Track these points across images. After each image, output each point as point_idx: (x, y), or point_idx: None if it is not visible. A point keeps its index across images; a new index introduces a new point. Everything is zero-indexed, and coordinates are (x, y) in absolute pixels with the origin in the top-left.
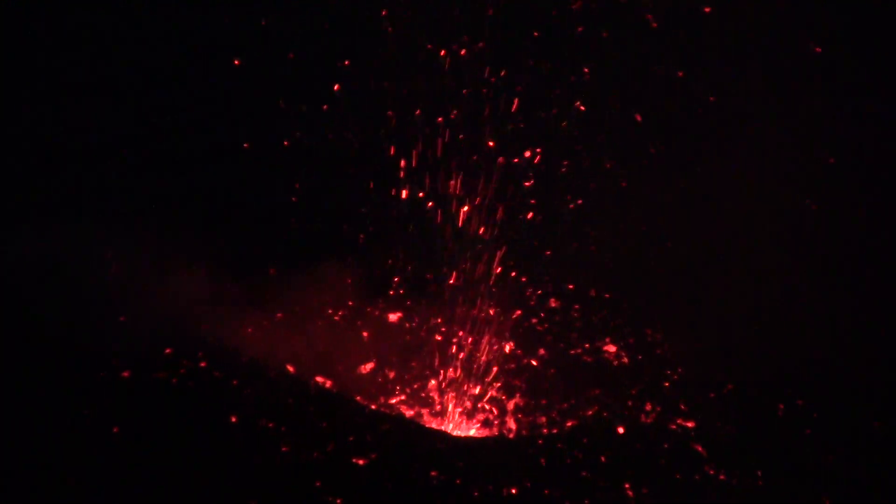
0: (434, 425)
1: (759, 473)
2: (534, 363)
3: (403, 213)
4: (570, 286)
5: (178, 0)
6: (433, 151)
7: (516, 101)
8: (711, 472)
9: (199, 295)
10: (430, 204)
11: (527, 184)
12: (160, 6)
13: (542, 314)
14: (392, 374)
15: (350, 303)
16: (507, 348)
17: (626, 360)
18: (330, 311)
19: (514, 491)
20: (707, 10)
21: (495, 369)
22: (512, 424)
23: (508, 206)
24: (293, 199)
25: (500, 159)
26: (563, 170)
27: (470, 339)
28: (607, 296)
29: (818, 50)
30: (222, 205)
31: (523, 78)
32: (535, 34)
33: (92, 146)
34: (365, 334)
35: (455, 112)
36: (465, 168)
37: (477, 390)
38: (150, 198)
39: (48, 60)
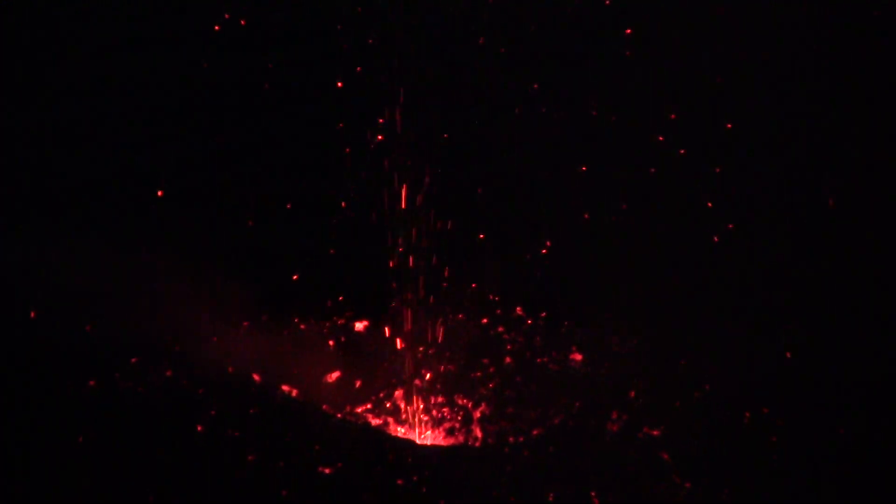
0: (400, 434)
1: (726, 481)
2: (500, 371)
3: (367, 225)
4: (537, 294)
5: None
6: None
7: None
8: (678, 481)
9: (164, 305)
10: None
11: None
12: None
13: (508, 322)
14: (358, 383)
15: (315, 312)
16: (473, 356)
17: (592, 368)
18: (296, 320)
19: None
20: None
21: (461, 378)
22: (478, 433)
23: (468, 216)
24: (262, 210)
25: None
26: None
27: (436, 348)
28: (574, 304)
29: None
30: (188, 216)
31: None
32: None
33: (55, 149)
34: (331, 343)
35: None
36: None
37: (442, 399)
38: (117, 207)
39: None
